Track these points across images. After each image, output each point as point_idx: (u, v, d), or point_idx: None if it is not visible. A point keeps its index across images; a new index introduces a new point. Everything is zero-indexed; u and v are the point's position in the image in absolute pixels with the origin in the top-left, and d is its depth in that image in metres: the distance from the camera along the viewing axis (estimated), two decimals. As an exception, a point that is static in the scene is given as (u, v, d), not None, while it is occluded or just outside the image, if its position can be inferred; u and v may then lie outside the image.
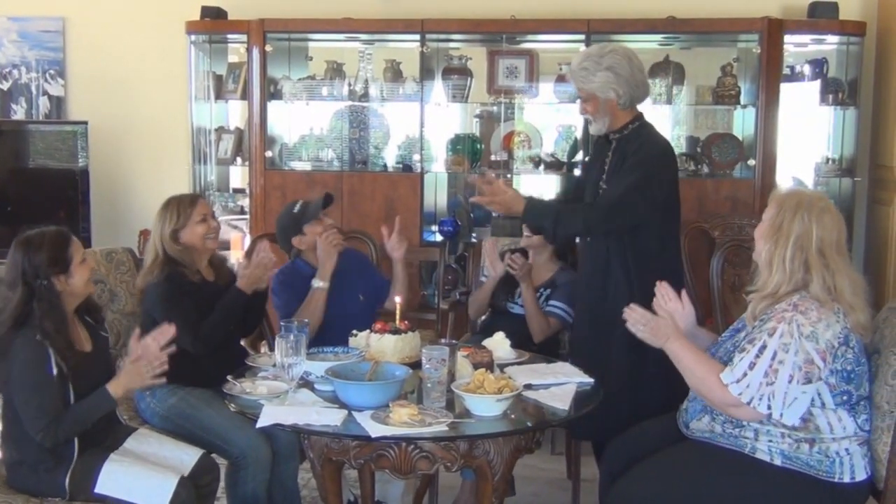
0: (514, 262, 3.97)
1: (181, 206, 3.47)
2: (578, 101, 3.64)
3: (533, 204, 3.52)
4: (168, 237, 3.42)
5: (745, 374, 2.55)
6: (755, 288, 2.71)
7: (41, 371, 2.75)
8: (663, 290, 2.94)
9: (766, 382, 2.53)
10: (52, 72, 6.19)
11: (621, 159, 3.51)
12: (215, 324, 3.37)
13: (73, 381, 2.82)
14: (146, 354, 2.86)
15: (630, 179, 3.40)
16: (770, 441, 2.61)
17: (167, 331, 2.91)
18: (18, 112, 6.21)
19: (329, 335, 3.30)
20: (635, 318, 2.81)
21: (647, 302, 2.92)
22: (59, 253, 2.84)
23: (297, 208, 3.83)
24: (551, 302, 4.05)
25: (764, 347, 2.55)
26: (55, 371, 2.77)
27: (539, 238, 4.05)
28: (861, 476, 2.61)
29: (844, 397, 2.58)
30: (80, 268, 2.89)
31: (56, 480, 2.81)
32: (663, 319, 2.79)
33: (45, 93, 6.20)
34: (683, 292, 2.96)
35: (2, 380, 2.82)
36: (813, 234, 2.61)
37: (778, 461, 2.60)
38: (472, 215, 5.84)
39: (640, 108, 3.62)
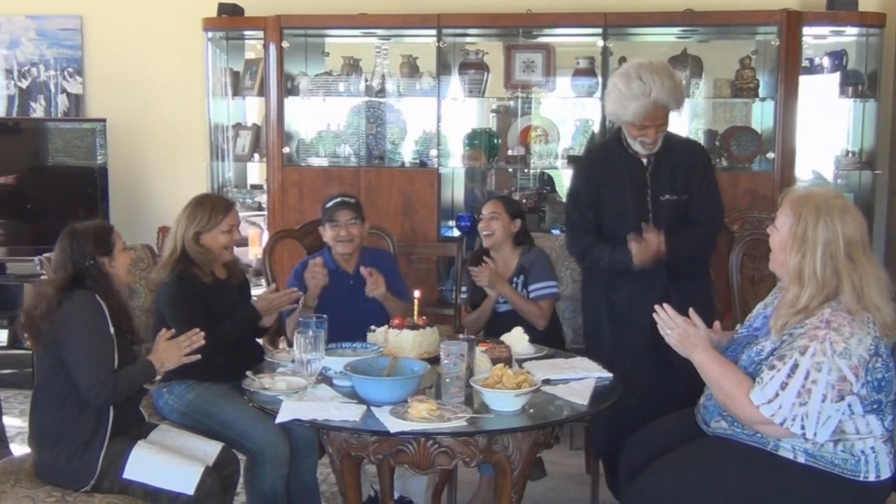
0: (478, 275, 3.97)
1: (214, 211, 3.48)
2: (645, 128, 3.53)
3: (672, 244, 3.51)
4: (190, 237, 3.43)
5: (776, 395, 2.49)
6: (784, 302, 2.64)
7: (100, 326, 2.88)
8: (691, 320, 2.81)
9: (800, 403, 2.46)
10: (70, 70, 6.23)
11: (674, 168, 3.56)
12: (225, 334, 3.39)
13: (120, 347, 2.92)
14: (185, 334, 3.00)
15: (717, 190, 3.69)
16: (793, 440, 2.56)
17: (197, 337, 3.02)
18: (37, 110, 6.25)
19: (349, 331, 3.32)
20: (665, 319, 2.74)
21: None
22: (103, 238, 3.01)
23: (330, 203, 3.91)
24: (532, 287, 4.04)
25: (796, 366, 2.47)
26: (112, 330, 2.90)
27: (501, 234, 4.07)
28: (886, 474, 2.58)
29: (874, 405, 2.54)
30: (122, 254, 3.06)
31: (90, 459, 2.85)
32: (693, 328, 2.71)
33: (64, 91, 6.24)
34: (717, 323, 2.91)
35: (47, 341, 2.89)
36: (839, 238, 2.53)
37: (801, 459, 2.57)
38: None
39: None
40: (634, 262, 3.51)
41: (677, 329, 2.71)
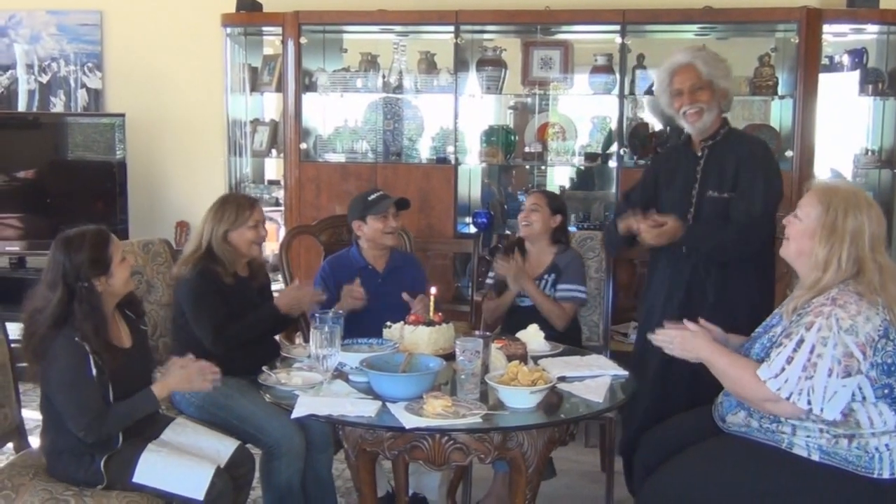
0: (502, 269, 3.97)
1: (240, 208, 3.51)
2: (680, 94, 3.53)
3: (690, 227, 3.46)
4: (219, 235, 3.45)
5: (782, 369, 2.52)
6: (802, 286, 2.66)
7: (81, 372, 2.78)
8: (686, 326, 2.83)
9: (805, 377, 2.48)
10: (90, 65, 6.26)
11: (724, 165, 3.47)
12: (241, 331, 3.40)
13: (112, 379, 2.85)
14: (199, 365, 2.92)
15: (761, 187, 3.41)
16: (808, 436, 2.58)
17: (214, 373, 2.95)
18: (57, 105, 6.29)
19: (373, 329, 3.33)
20: (661, 339, 2.79)
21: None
22: (99, 254, 2.86)
23: (372, 196, 3.86)
24: (560, 286, 4.06)
25: (801, 341, 2.50)
26: (94, 372, 2.79)
27: (539, 226, 4.08)
28: (901, 471, 2.58)
29: (886, 391, 2.54)
30: (119, 267, 2.91)
31: (97, 468, 2.84)
32: (688, 332, 2.75)
33: (84, 85, 6.27)
34: (702, 321, 2.87)
35: (41, 377, 2.85)
36: (866, 231, 2.57)
37: (815, 456, 2.57)
38: (505, 207, 5.84)
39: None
40: (620, 229, 3.56)
41: (675, 339, 2.75)
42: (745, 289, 3.44)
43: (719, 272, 3.45)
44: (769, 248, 3.53)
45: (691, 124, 3.54)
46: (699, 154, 3.57)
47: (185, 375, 2.92)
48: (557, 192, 5.61)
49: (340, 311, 3.26)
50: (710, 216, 3.49)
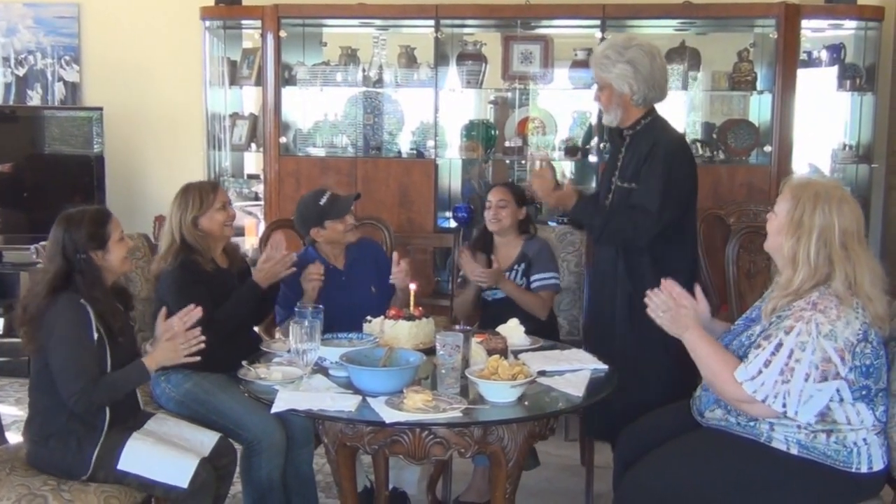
0: (482, 278, 3.96)
1: (203, 193, 3.49)
2: (595, 88, 3.62)
3: (585, 201, 3.57)
4: (189, 223, 3.44)
5: (759, 372, 2.52)
6: (778, 285, 2.66)
7: (84, 332, 2.83)
8: (670, 289, 2.79)
9: (782, 381, 2.49)
10: (67, 58, 6.21)
11: (634, 155, 3.49)
12: (228, 314, 3.38)
13: (111, 348, 2.89)
14: (179, 333, 2.92)
15: (658, 185, 3.37)
16: (786, 431, 2.59)
17: (193, 312, 2.97)
18: (34, 98, 6.24)
19: (340, 323, 3.31)
20: (657, 303, 2.75)
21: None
22: (97, 229, 2.95)
23: (323, 200, 3.76)
24: (534, 277, 4.06)
25: (780, 345, 2.50)
26: (95, 335, 2.84)
27: (509, 221, 4.09)
28: (878, 465, 2.59)
29: (863, 392, 2.55)
30: (117, 245, 2.99)
31: (84, 454, 2.84)
32: (684, 308, 2.73)
33: (61, 79, 6.23)
34: (698, 288, 2.89)
35: (36, 346, 2.87)
36: (835, 226, 2.55)
37: (794, 450, 2.58)
38: (485, 201, 5.83)
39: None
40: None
41: (669, 311, 2.73)
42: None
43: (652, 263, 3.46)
44: (689, 238, 3.60)
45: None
46: (626, 141, 3.60)
47: (171, 346, 2.92)
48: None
49: (321, 306, 3.24)
50: (619, 204, 3.53)
